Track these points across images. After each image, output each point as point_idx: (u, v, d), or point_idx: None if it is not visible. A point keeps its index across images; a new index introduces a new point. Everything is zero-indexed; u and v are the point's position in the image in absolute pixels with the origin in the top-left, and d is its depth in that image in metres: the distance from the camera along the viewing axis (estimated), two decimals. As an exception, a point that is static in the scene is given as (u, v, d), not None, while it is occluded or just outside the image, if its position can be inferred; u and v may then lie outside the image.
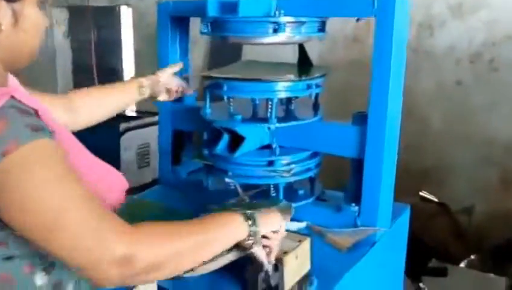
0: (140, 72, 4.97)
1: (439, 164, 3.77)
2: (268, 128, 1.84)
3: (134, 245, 1.00)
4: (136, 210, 1.95)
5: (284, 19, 1.74)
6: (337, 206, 1.90)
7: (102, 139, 4.01)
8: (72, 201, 0.99)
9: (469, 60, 3.61)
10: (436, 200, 3.50)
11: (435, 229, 3.32)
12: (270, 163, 1.88)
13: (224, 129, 1.84)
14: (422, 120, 3.77)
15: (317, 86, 1.89)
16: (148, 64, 4.77)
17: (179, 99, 2.13)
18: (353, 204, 1.84)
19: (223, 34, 1.87)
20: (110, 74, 5.06)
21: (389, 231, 1.85)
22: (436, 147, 3.79)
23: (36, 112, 1.06)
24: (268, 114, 1.82)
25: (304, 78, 1.81)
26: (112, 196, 1.28)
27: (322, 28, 1.88)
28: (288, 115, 1.97)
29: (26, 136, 0.97)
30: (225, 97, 1.87)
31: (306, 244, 1.49)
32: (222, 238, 1.21)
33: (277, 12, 1.72)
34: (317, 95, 1.93)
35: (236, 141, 1.82)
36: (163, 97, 1.94)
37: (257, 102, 2.02)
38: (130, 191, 3.84)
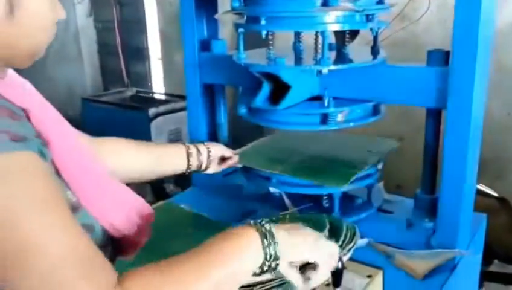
0: (166, 51, 4.96)
1: (498, 155, 3.46)
2: (319, 72, 1.46)
3: None
4: (162, 216, 1.68)
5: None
6: (406, 221, 1.58)
7: (131, 127, 3.95)
8: (50, 236, 0.75)
9: (536, 40, 3.26)
10: (495, 194, 3.15)
11: (494, 226, 2.98)
12: (323, 120, 1.52)
13: (264, 76, 1.50)
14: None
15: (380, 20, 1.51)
16: (174, 43, 4.59)
17: (207, 49, 1.80)
18: (426, 219, 1.54)
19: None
20: (136, 54, 4.90)
21: (469, 250, 1.53)
22: (496, 136, 3.46)
23: (26, 113, 0.81)
24: (319, 54, 1.45)
25: (362, 8, 1.42)
26: (128, 223, 0.98)
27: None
28: (342, 58, 1.60)
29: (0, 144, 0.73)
30: (263, 33, 1.47)
31: (378, 279, 1.22)
32: (239, 272, 0.90)
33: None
34: (376, 35, 1.56)
35: (279, 92, 1.48)
36: (213, 169, 1.57)
37: (301, 47, 1.67)
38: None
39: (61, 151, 0.85)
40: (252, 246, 0.90)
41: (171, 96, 4.36)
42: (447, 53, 1.38)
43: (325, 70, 1.44)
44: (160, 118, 4.01)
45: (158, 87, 4.88)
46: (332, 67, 1.43)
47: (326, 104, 1.52)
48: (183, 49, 1.86)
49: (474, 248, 1.58)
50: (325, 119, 1.52)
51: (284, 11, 1.42)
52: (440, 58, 1.40)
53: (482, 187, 3.24)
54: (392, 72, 1.49)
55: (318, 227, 1.30)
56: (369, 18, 1.45)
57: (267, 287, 1.05)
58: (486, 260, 2.75)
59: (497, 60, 3.35)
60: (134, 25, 4.84)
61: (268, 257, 0.90)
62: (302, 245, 0.97)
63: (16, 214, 0.72)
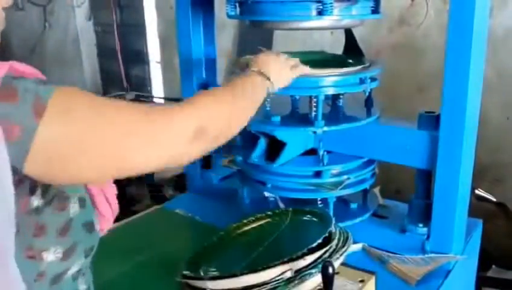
0: (166, 55, 4.94)
1: (497, 160, 3.41)
2: (314, 132, 1.51)
3: (201, 115, 0.98)
4: (156, 220, 1.81)
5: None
6: (400, 226, 1.60)
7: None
8: (127, 113, 0.87)
9: (534, 45, 3.21)
10: (493, 199, 3.14)
11: (493, 232, 2.98)
12: (317, 174, 1.57)
13: (260, 133, 1.55)
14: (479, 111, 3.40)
15: (372, 79, 1.55)
16: (174, 46, 4.55)
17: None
18: (420, 224, 1.54)
19: (255, 18, 1.55)
20: (136, 58, 4.89)
21: (463, 255, 1.54)
22: (495, 141, 3.43)
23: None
24: (313, 115, 1.49)
25: (355, 71, 1.49)
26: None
27: (376, 9, 1.53)
28: (336, 114, 1.65)
29: (45, 90, 0.77)
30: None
31: (371, 285, 1.22)
32: (257, 99, 1.23)
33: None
34: (370, 94, 1.61)
35: (275, 145, 1.53)
36: None
37: (297, 97, 1.71)
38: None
39: None
40: (262, 85, 1.26)
41: (170, 100, 4.31)
42: (438, 117, 1.42)
43: (319, 131, 1.49)
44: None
45: (157, 91, 4.88)
46: (326, 129, 1.49)
47: (320, 159, 1.57)
48: (181, 91, 1.90)
49: (469, 253, 1.60)
50: (319, 173, 1.57)
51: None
52: (431, 121, 1.45)
53: (480, 192, 3.24)
54: (384, 132, 1.54)
55: (324, 221, 1.31)
56: (362, 80, 1.50)
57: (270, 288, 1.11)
58: (484, 265, 2.77)
59: (497, 65, 3.33)
60: (134, 28, 4.82)
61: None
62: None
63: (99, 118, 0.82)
